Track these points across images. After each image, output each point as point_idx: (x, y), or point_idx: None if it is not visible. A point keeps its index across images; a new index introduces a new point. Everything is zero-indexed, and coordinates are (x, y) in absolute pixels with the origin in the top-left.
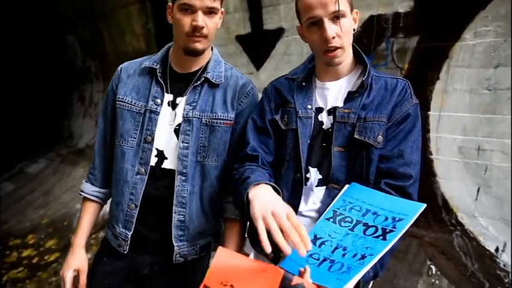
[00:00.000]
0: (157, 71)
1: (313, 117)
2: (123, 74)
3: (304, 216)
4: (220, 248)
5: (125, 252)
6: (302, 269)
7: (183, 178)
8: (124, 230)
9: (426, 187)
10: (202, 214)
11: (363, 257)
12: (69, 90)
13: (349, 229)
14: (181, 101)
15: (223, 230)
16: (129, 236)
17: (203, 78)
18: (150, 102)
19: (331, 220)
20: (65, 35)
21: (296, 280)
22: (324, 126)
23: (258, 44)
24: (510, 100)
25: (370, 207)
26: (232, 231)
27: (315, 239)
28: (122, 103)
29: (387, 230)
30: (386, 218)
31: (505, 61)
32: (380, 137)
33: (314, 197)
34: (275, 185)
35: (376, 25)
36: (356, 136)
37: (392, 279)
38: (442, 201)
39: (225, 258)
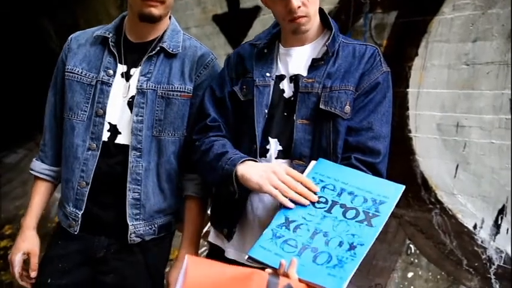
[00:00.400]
0: (110, 40)
1: (271, 86)
2: (73, 44)
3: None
4: (188, 257)
5: (76, 233)
6: (283, 262)
7: (138, 154)
8: (74, 210)
9: (405, 166)
10: (159, 192)
11: (352, 247)
12: (47, 78)
13: (325, 211)
14: (135, 72)
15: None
16: (80, 216)
17: (159, 48)
18: (102, 73)
19: None
20: (40, 18)
21: (282, 282)
22: (285, 95)
23: (234, 23)
24: (487, 74)
25: (344, 186)
26: (193, 210)
27: (287, 222)
28: (71, 74)
29: (370, 214)
30: (366, 200)
31: (483, 35)
32: (347, 107)
33: None
34: (257, 160)
35: (353, 1)
36: (321, 106)
37: (371, 260)
38: (421, 179)
39: (198, 270)
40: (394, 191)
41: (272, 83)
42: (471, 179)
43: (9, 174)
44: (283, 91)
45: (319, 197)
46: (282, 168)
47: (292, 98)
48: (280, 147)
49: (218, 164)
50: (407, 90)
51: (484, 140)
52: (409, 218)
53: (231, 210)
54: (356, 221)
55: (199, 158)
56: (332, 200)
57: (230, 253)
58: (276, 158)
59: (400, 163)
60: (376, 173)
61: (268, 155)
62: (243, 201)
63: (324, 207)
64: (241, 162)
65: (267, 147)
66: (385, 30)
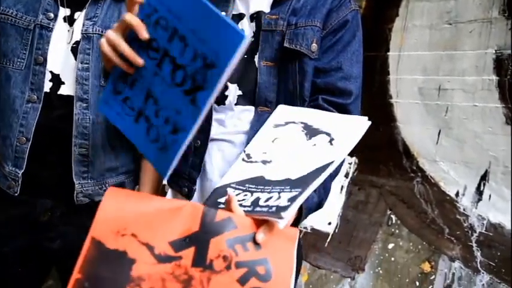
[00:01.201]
0: None
1: None
2: None
3: (220, 140)
4: (111, 189)
5: (16, 194)
6: (231, 193)
7: (84, 105)
8: (14, 169)
9: (386, 133)
10: (110, 148)
11: (175, 129)
12: None
13: (156, 65)
14: (79, 15)
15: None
16: (20, 175)
17: None
18: (41, 16)
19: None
20: None
21: (221, 215)
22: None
23: None
24: (470, 33)
25: (178, 24)
26: (149, 168)
27: (124, 73)
28: (4, 16)
29: (196, 85)
30: (196, 55)
31: None
32: (314, 44)
33: (235, 118)
34: None
35: None
36: (286, 45)
37: (352, 231)
38: (402, 147)
39: (119, 201)
40: (233, 43)
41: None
42: (454, 144)
43: None
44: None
45: (152, 40)
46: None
47: (253, 38)
48: (240, 92)
49: None
50: (388, 53)
51: (467, 103)
52: (390, 188)
53: (188, 167)
54: (182, 91)
55: None
56: (164, 48)
57: None
58: (235, 105)
59: (381, 130)
60: (346, 113)
61: (227, 101)
62: (201, 156)
63: (156, 60)
64: None
65: (225, 93)
66: None
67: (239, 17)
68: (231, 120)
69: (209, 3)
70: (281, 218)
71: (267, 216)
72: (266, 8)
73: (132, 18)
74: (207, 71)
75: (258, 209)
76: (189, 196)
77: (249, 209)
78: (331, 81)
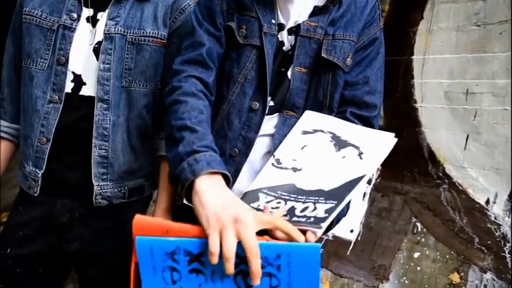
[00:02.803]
0: None
1: (276, 36)
2: None
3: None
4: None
5: (36, 194)
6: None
7: (105, 106)
8: (34, 169)
9: (411, 139)
10: (130, 150)
11: None
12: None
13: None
14: (102, 15)
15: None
16: (40, 176)
17: None
18: (64, 17)
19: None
20: None
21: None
22: (284, 48)
23: None
24: (500, 35)
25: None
26: (166, 171)
27: (195, 257)
28: (30, 17)
29: None
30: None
31: None
32: (349, 59)
33: (264, 125)
34: (228, 174)
35: None
36: (324, 55)
37: (375, 239)
38: (428, 153)
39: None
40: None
41: (276, 31)
42: (483, 150)
43: (10, 163)
44: (282, 43)
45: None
46: (249, 221)
47: (290, 52)
48: (272, 103)
49: (179, 150)
50: (412, 57)
51: (497, 107)
52: (415, 195)
53: None
54: None
55: (167, 107)
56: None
57: None
58: (266, 115)
59: (406, 136)
60: (370, 126)
61: (258, 111)
62: (238, 168)
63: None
64: (206, 173)
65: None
66: None
67: (280, 27)
68: (262, 128)
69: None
70: (320, 228)
71: (306, 227)
72: (306, 18)
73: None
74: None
75: (295, 218)
76: None
77: (286, 218)
78: (358, 95)
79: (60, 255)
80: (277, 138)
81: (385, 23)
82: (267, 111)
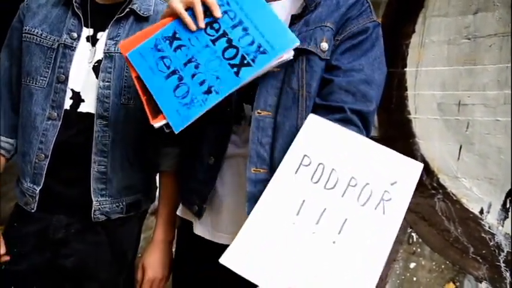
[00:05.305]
0: (74, 0)
1: None
2: (33, 3)
3: (230, 157)
4: None
5: (33, 210)
6: None
7: (104, 123)
8: (32, 185)
9: (405, 150)
10: (128, 166)
11: (209, 91)
12: None
13: (211, 40)
14: (102, 35)
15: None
16: (37, 192)
17: (128, 10)
18: (65, 36)
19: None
20: None
21: None
22: None
23: None
24: (490, 48)
25: (244, 18)
26: (168, 186)
27: (172, 38)
28: (30, 36)
29: (245, 62)
30: (252, 42)
31: (484, 5)
32: (324, 43)
33: (246, 133)
34: None
35: None
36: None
37: None
38: (422, 163)
39: None
40: (284, 43)
41: None
42: (476, 160)
43: (7, 176)
44: None
45: (214, 22)
46: None
47: None
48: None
49: None
50: (405, 69)
51: (489, 118)
52: (410, 205)
53: (200, 184)
54: (229, 64)
55: None
56: (224, 30)
57: (197, 228)
58: (249, 125)
59: (400, 147)
60: (366, 124)
61: (242, 122)
62: (214, 174)
63: (212, 36)
64: None
65: (241, 114)
66: (379, 8)
67: None
68: (243, 136)
69: (274, 11)
70: None
71: None
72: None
73: None
74: (258, 54)
75: None
76: (199, 214)
77: None
78: (354, 82)
79: (56, 271)
80: (252, 145)
81: None
82: (248, 121)
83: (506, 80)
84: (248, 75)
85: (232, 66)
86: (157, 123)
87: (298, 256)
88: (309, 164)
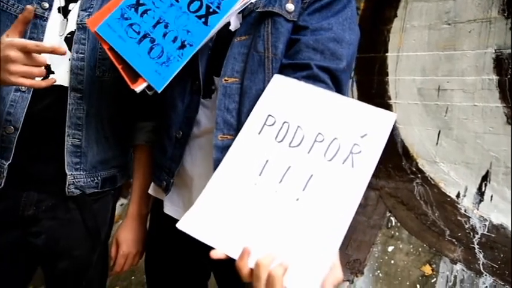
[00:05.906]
0: None
1: None
2: None
3: (200, 137)
4: None
5: (1, 186)
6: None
7: (78, 95)
8: (0, 160)
9: None
10: (103, 140)
11: (183, 45)
12: None
13: None
14: (74, 6)
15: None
16: (6, 167)
17: None
18: (35, 5)
19: None
20: None
21: None
22: (231, 27)
23: None
24: (469, 33)
25: None
26: (143, 159)
27: (137, 4)
28: None
29: (211, 10)
30: None
31: None
32: (289, 4)
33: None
34: None
35: None
36: (258, 10)
37: (351, 234)
38: (402, 148)
39: None
40: None
41: None
42: (454, 145)
43: None
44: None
45: None
46: (7, 46)
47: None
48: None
49: None
50: (386, 54)
51: (467, 103)
52: (389, 190)
53: (168, 159)
54: (196, 16)
55: None
56: None
57: (167, 208)
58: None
59: None
60: (337, 83)
61: (213, 95)
62: (181, 149)
63: None
64: None
65: (212, 87)
66: None
67: None
68: (214, 110)
69: None
70: None
71: None
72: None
73: None
74: (222, 0)
75: None
76: (166, 189)
77: None
78: (322, 40)
79: (26, 249)
80: (220, 114)
81: (360, 21)
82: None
83: (484, 65)
84: (216, 21)
85: (200, 17)
86: (138, 87)
87: (259, 217)
88: (273, 124)
